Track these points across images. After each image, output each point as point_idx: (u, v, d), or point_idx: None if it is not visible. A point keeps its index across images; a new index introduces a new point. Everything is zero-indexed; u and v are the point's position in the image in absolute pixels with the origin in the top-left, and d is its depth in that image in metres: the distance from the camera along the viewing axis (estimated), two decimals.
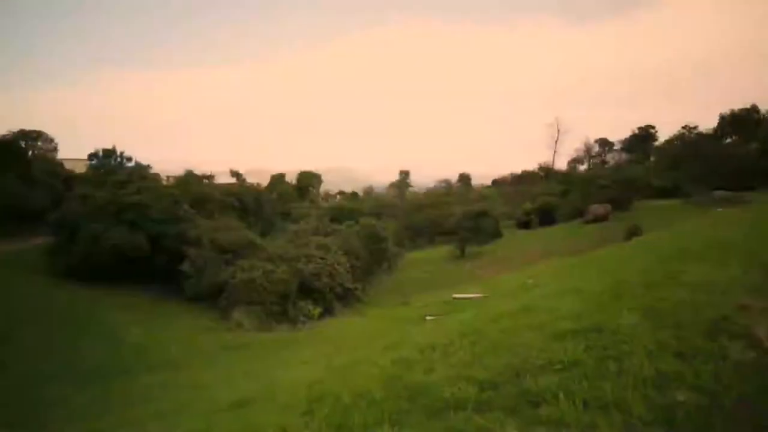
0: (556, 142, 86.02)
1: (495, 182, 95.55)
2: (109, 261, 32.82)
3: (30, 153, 61.09)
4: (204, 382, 13.69)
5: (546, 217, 58.73)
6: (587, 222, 47.64)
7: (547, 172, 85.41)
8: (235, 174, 68.12)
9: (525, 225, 59.91)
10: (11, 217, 42.50)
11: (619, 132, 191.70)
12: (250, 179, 73.77)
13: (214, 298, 32.05)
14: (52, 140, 70.06)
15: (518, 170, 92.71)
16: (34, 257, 35.16)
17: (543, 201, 61.72)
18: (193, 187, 48.71)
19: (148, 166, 43.21)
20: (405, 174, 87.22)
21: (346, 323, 24.92)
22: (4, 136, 55.94)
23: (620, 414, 2.87)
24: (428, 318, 16.04)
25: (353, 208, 61.61)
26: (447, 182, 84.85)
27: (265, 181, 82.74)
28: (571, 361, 3.70)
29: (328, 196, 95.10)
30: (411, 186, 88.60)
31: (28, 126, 69.69)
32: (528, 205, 62.70)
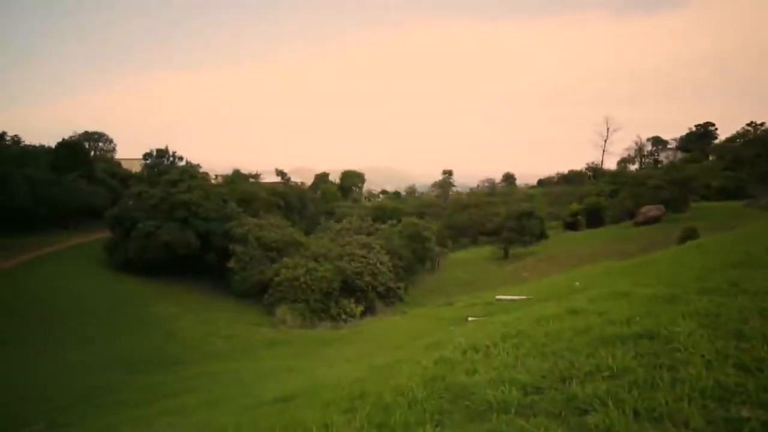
0: (605, 141, 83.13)
1: (540, 182, 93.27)
2: (162, 256, 34.34)
3: (92, 153, 64.85)
4: (248, 375, 14.07)
5: (594, 218, 56.80)
6: (638, 224, 45.70)
7: (595, 172, 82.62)
8: (280, 173, 69.65)
9: (571, 226, 58.17)
10: (77, 213, 45.30)
11: (673, 130, 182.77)
12: (295, 178, 75.26)
13: (260, 294, 32.92)
14: (111, 141, 74.28)
15: (565, 170, 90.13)
16: (95, 251, 37.25)
17: (591, 201, 59.72)
18: (240, 186, 50.20)
19: (198, 166, 44.81)
20: (448, 173, 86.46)
21: (388, 322, 24.98)
22: (70, 137, 59.60)
23: (675, 426, 2.73)
24: (470, 319, 15.85)
25: (396, 208, 61.71)
26: (491, 182, 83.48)
27: (309, 180, 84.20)
28: (620, 368, 3.56)
29: (370, 195, 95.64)
30: (454, 185, 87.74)
31: (91, 128, 73.85)
32: (575, 206, 60.86)
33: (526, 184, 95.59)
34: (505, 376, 3.92)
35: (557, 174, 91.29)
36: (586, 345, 4.28)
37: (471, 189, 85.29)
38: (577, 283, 18.07)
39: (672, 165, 63.70)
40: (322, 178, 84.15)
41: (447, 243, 53.48)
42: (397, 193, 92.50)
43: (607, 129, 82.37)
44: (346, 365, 10.48)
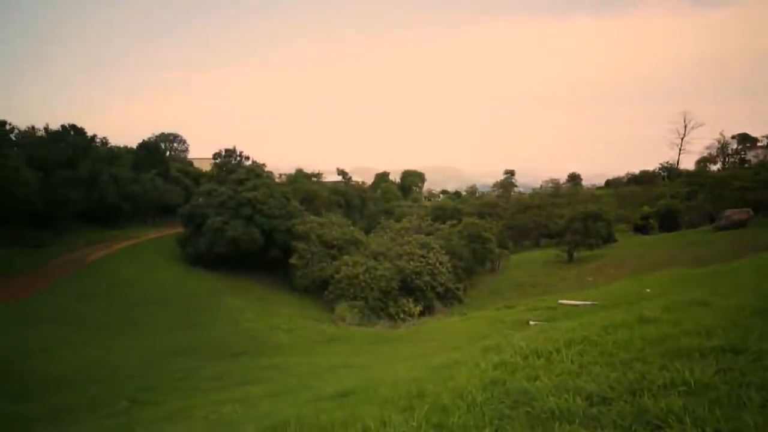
0: (682, 138, 77.71)
1: (609, 183, 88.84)
2: (229, 252, 36.00)
3: (168, 153, 69.22)
4: (309, 370, 14.46)
5: (668, 221, 53.30)
6: (720, 228, 42.25)
7: (670, 172, 77.43)
8: (341, 172, 70.88)
9: (642, 230, 54.93)
10: (154, 209, 48.55)
11: (762, 127, 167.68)
12: (356, 177, 76.29)
13: (320, 290, 33.72)
14: (184, 141, 78.94)
15: (635, 170, 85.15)
16: (170, 245, 39.69)
17: (665, 204, 56.06)
18: (302, 185, 51.66)
19: (263, 165, 46.53)
20: (510, 173, 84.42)
21: (446, 323, 24.78)
22: (149, 138, 63.94)
23: None
24: (532, 323, 15.41)
25: (456, 208, 61.08)
26: (555, 182, 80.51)
27: (369, 180, 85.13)
28: (699, 384, 3.32)
29: (430, 194, 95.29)
30: (516, 186, 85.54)
31: (167, 129, 78.85)
32: (646, 208, 57.41)
33: (593, 185, 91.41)
34: (569, 384, 3.79)
35: (627, 174, 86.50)
36: (659, 356, 4.04)
37: (534, 189, 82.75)
38: (648, 290, 17.10)
39: (762, 164, 58.46)
40: (382, 177, 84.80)
41: (508, 244, 52.28)
42: (457, 193, 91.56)
43: (685, 126, 76.98)
44: (403, 364, 10.52)
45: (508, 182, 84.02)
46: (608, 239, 44.33)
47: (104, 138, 47.78)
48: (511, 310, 22.89)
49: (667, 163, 79.83)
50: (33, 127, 41.44)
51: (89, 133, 42.11)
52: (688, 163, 79.87)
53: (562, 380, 3.91)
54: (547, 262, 45.07)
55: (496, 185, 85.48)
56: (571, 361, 4.47)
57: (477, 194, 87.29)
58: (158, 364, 16.15)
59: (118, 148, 55.49)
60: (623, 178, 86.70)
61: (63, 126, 40.01)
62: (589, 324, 6.36)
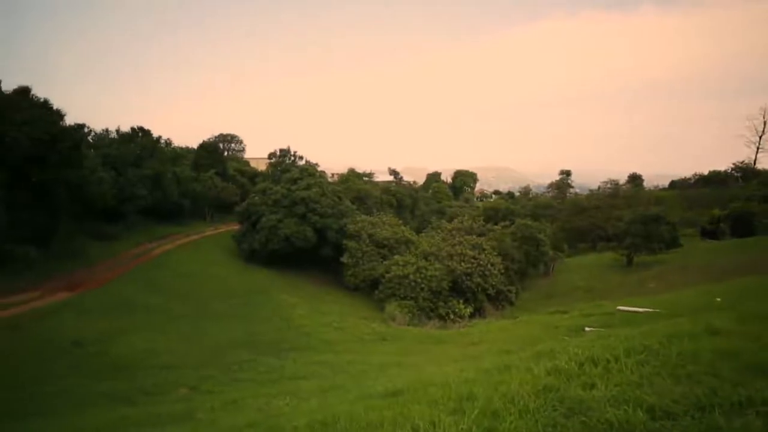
0: (760, 137, 72.07)
1: (673, 184, 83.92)
2: (282, 249, 37.00)
3: (225, 153, 72.12)
4: (359, 367, 14.61)
5: (741, 226, 49.60)
6: None
7: (745, 173, 71.97)
8: (392, 172, 71.16)
9: (711, 234, 51.46)
10: (212, 207, 50.69)
11: None
12: (407, 177, 76.36)
13: (370, 289, 33.99)
14: (241, 141, 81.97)
15: (704, 170, 79.77)
16: (227, 241, 41.28)
17: (738, 207, 52.21)
18: (354, 184, 52.24)
19: (316, 164, 47.50)
20: (566, 174, 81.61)
21: (498, 325, 24.30)
22: (208, 139, 66.87)
23: None
24: (587, 329, 14.82)
25: (509, 209, 59.84)
26: (614, 183, 76.88)
27: (420, 179, 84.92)
28: None
29: (483, 195, 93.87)
30: (572, 187, 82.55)
31: (225, 130, 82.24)
32: (717, 212, 53.75)
33: (656, 186, 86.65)
34: (628, 395, 3.61)
35: (695, 175, 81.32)
36: (733, 372, 3.77)
37: (591, 191, 79.49)
38: (718, 299, 16.01)
39: None
40: (433, 177, 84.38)
41: (563, 247, 50.61)
42: (510, 194, 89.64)
43: (764, 123, 71.36)
44: (453, 365, 10.41)
45: (563, 183, 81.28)
46: (672, 244, 41.88)
47: (168, 139, 50.45)
48: (565, 315, 22.14)
49: (741, 162, 74.27)
50: (107, 130, 44.36)
51: (155, 135, 44.62)
52: (766, 163, 73.99)
53: (621, 391, 3.74)
54: (604, 266, 43.26)
55: (551, 186, 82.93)
56: (631, 371, 4.26)
57: (531, 195, 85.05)
58: (217, 355, 16.85)
59: (181, 148, 58.45)
60: (690, 179, 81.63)
61: (132, 128, 42.54)
62: (650, 332, 6.04)
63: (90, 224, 32.84)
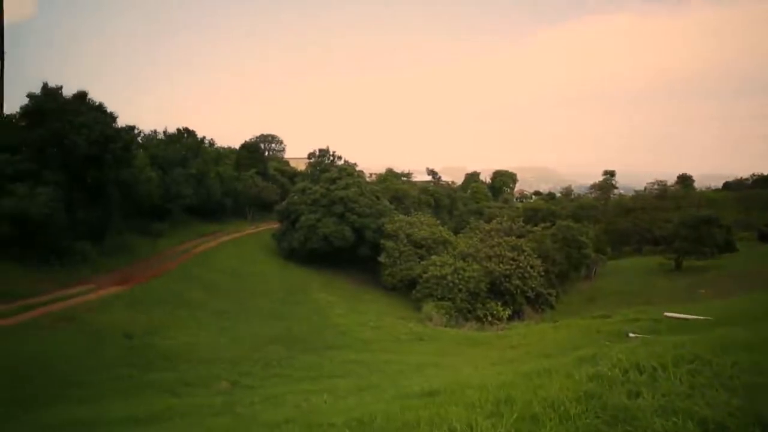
0: None
1: (728, 185, 79.76)
2: (321, 248, 37.50)
3: (266, 153, 73.81)
4: (395, 367, 14.64)
5: None
6: None
7: None
8: (431, 172, 70.86)
9: None
10: (252, 205, 51.92)
11: None
12: (445, 177, 75.85)
13: (407, 289, 33.97)
14: (281, 142, 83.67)
15: (763, 170, 75.39)
16: (266, 240, 42.21)
17: None
18: (392, 184, 52.33)
19: (355, 164, 47.85)
20: (610, 174, 78.87)
21: (537, 329, 23.81)
22: (249, 140, 68.57)
23: None
24: (631, 335, 14.30)
25: (550, 210, 58.52)
26: (661, 184, 73.71)
27: (459, 180, 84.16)
28: None
29: (522, 195, 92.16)
30: (616, 187, 79.69)
31: (266, 131, 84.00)
32: None
33: (708, 187, 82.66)
34: (677, 405, 3.47)
35: (752, 175, 77.03)
36: None
37: (636, 192, 76.56)
38: None
39: None
40: (472, 177, 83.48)
41: (606, 250, 49.03)
42: (551, 195, 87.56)
43: None
44: (491, 368, 10.28)
45: (607, 183, 78.61)
46: (726, 247, 39.85)
47: (212, 139, 51.98)
48: (608, 320, 21.44)
49: None
50: (155, 131, 46.22)
51: (199, 135, 46.12)
52: None
53: (670, 401, 3.59)
54: (650, 270, 41.64)
55: (593, 187, 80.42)
56: (680, 381, 4.09)
57: (572, 196, 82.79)
58: (256, 351, 17.25)
59: (223, 148, 60.16)
60: (747, 179, 77.37)
61: (178, 129, 44.19)
62: (701, 341, 5.78)
63: (139, 222, 34.27)
